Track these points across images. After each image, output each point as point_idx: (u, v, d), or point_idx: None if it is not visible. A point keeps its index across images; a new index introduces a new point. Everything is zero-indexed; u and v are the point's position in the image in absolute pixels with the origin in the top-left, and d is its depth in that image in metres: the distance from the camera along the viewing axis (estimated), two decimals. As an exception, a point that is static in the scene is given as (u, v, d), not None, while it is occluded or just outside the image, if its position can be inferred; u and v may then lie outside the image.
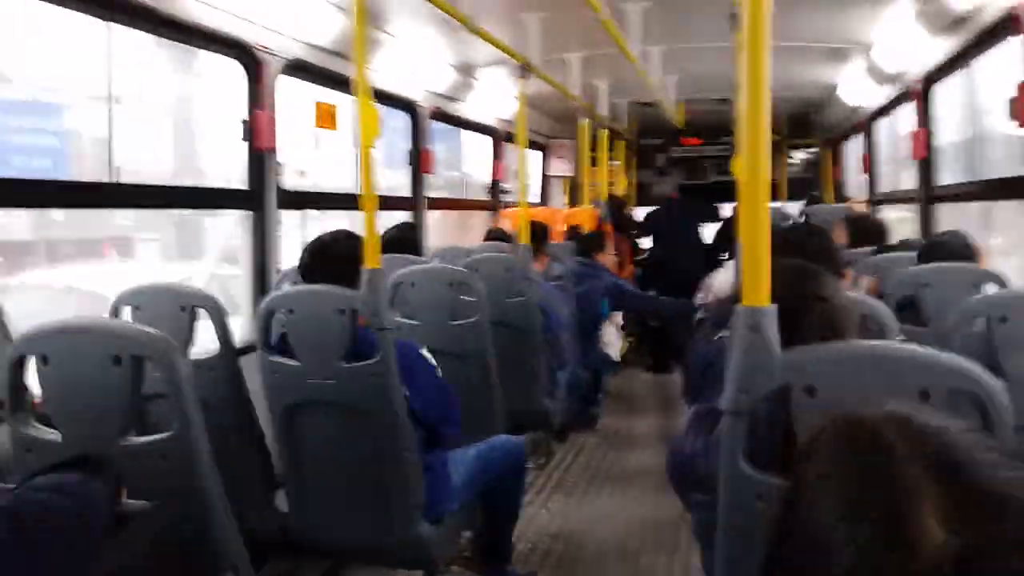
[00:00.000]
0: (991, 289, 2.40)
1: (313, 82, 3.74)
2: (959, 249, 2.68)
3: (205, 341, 2.26)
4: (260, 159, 3.13)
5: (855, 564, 0.50)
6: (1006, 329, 1.97)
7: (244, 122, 3.10)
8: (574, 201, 7.71)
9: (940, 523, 0.49)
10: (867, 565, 0.49)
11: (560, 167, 7.65)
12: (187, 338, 2.17)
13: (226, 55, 3.00)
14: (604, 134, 6.15)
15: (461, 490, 2.38)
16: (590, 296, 4.62)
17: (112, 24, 2.50)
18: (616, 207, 6.49)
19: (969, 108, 4.00)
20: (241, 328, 3.09)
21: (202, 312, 2.21)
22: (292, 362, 2.16)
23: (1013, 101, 2.85)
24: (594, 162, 6.24)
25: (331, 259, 2.24)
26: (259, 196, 3.13)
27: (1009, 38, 3.08)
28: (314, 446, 2.22)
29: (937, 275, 2.50)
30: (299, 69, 3.40)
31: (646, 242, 6.97)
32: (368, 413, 2.14)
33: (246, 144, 3.11)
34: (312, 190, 4.15)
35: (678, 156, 8.72)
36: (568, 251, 4.80)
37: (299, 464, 2.23)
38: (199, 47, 2.97)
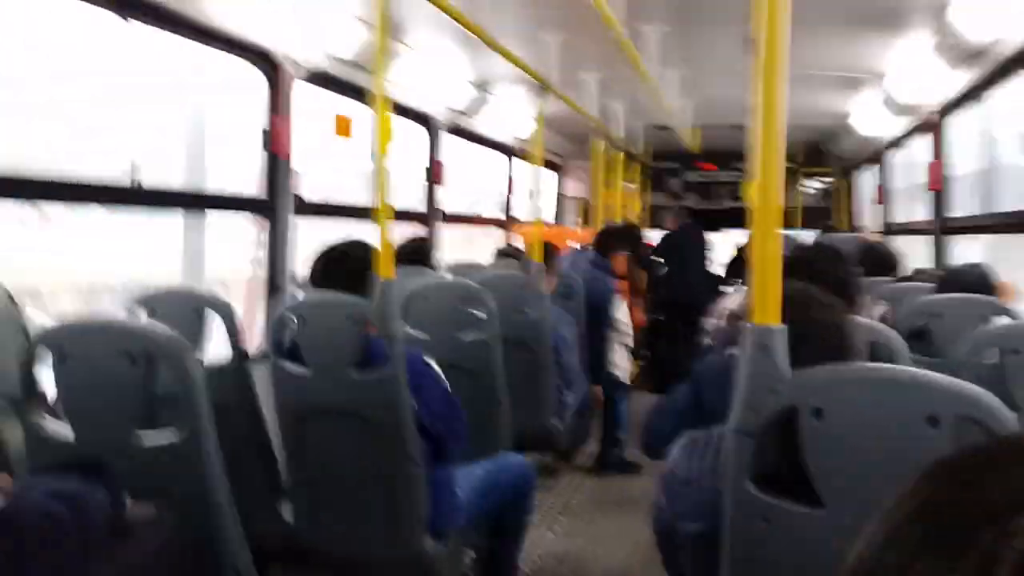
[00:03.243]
0: (1003, 321, 2.39)
1: (333, 91, 3.79)
2: (976, 281, 2.66)
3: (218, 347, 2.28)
4: (276, 166, 3.16)
5: None
6: (1019, 361, 1.96)
7: (265, 131, 3.13)
8: (587, 223, 7.71)
9: None
10: None
11: (575, 188, 7.67)
12: (199, 341, 2.18)
13: (249, 61, 3.04)
14: (619, 156, 6.16)
15: (467, 507, 2.36)
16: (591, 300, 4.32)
17: (133, 22, 2.52)
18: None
19: (984, 140, 4.00)
20: (252, 335, 3.11)
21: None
22: (302, 369, 2.17)
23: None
24: (608, 184, 6.25)
25: (344, 267, 2.25)
26: (275, 203, 3.16)
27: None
28: (321, 455, 2.21)
29: (950, 306, 2.49)
30: (319, 78, 3.44)
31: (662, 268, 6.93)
32: (376, 423, 2.13)
33: (264, 152, 3.15)
34: (327, 200, 4.16)
35: (692, 181, 8.73)
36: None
37: (305, 473, 2.23)
38: (222, 50, 3.00)
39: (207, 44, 2.90)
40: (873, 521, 0.45)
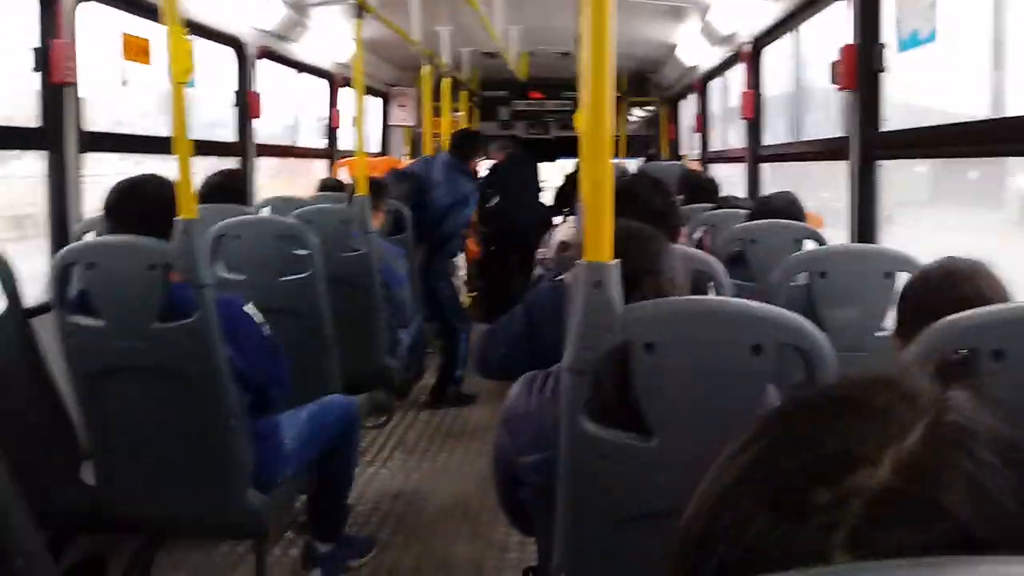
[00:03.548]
0: (811, 246, 2.53)
1: (124, 11, 3.38)
2: (787, 208, 2.81)
3: None
4: (57, 94, 2.78)
5: None
6: (825, 283, 2.09)
7: (36, 50, 2.73)
8: (416, 152, 7.53)
9: None
10: None
11: (401, 116, 7.43)
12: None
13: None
14: (447, 83, 6.00)
15: (293, 455, 2.25)
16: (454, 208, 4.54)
17: None
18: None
19: (795, 69, 4.18)
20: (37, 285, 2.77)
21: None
22: (95, 322, 1.94)
23: (835, 64, 2.97)
24: (437, 112, 6.09)
25: (140, 205, 2.01)
26: (55, 136, 2.78)
27: (835, 2, 3.21)
28: (124, 414, 2.01)
29: (763, 232, 2.61)
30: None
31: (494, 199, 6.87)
32: (186, 377, 1.96)
33: (39, 77, 2.75)
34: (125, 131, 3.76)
35: (522, 109, 8.71)
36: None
37: (107, 433, 2.02)
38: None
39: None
40: (705, 478, 0.44)
